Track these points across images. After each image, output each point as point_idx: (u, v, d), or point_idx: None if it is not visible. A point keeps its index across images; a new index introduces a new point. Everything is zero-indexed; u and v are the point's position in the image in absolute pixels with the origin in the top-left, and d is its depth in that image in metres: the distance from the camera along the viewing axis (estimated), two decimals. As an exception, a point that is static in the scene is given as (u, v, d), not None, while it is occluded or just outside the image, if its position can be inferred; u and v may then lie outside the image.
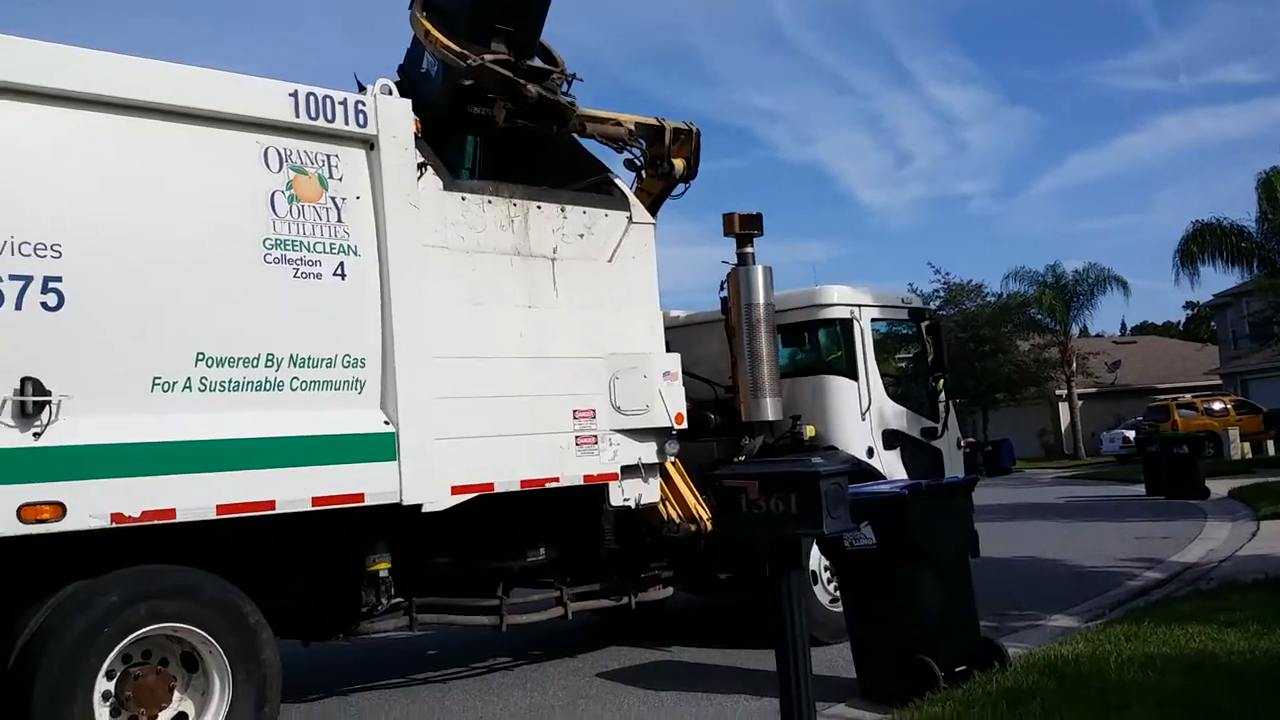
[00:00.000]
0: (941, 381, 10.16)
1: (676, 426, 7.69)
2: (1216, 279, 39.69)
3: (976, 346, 43.41)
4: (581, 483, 7.21)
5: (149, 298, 5.43)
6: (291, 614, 6.88)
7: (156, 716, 5.34)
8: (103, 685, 5.14)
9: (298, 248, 5.94)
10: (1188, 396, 39.63)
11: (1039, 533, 16.45)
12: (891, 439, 9.55)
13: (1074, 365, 44.38)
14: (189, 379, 5.50)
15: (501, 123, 7.67)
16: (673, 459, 7.80)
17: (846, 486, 4.59)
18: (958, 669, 6.61)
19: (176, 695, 5.42)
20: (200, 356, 5.54)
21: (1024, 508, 21.41)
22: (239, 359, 5.66)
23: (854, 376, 9.43)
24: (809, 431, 9.15)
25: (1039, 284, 43.94)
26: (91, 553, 5.21)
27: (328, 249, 6.08)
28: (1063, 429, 47.48)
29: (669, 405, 7.60)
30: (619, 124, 8.37)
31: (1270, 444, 31.98)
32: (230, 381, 5.64)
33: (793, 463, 4.95)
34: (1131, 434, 35.78)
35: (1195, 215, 41.80)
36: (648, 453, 7.61)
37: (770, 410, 8.90)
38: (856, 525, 4.83)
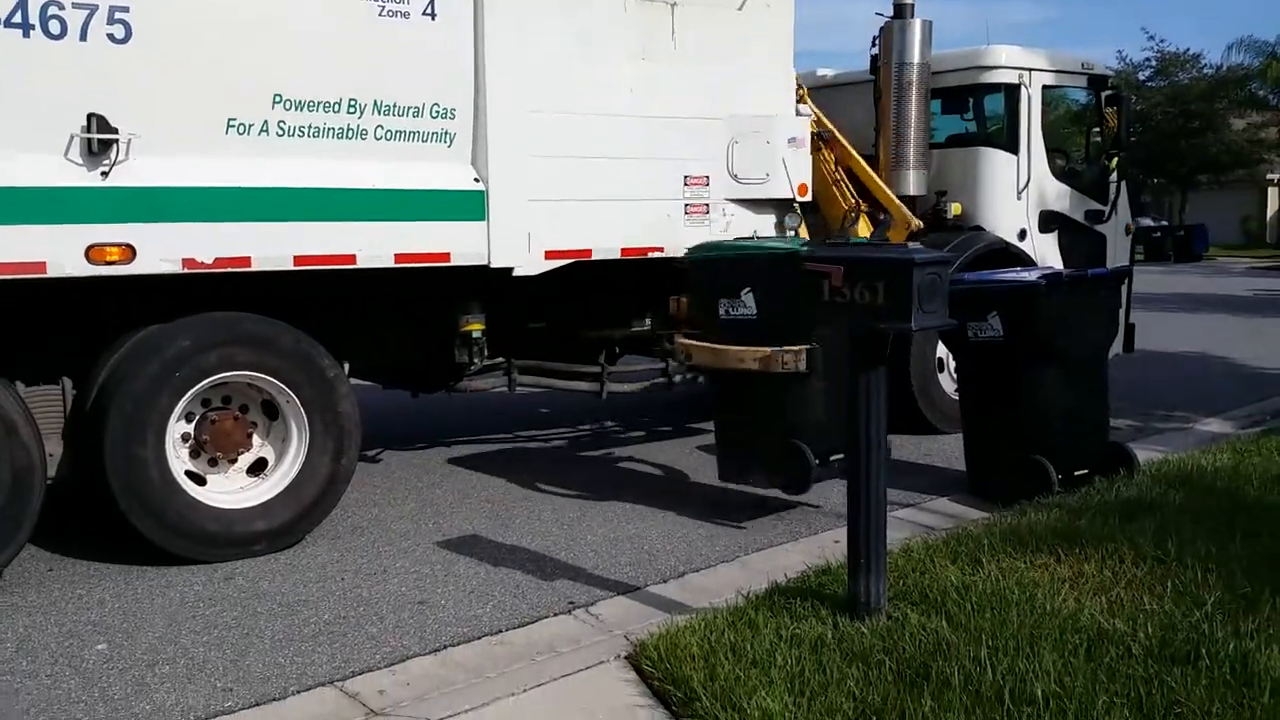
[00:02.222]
0: (1116, 160, 9.17)
1: (799, 198, 7.10)
2: None
3: (1185, 123, 39.98)
4: None
5: (222, 33, 5.02)
6: (391, 368, 6.98)
7: (236, 460, 5.38)
8: (180, 428, 5.21)
9: (383, -18, 5.43)
10: None
11: (1215, 327, 15.35)
12: (1049, 221, 8.74)
13: (1291, 146, 40.56)
14: (265, 122, 5.17)
15: None
16: (793, 232, 7.27)
17: (946, 277, 4.04)
18: (1078, 473, 6.16)
19: (256, 440, 5.46)
20: (278, 99, 5.18)
21: (1207, 299, 20.03)
22: (319, 103, 5.30)
23: (1014, 150, 8.57)
24: (954, 209, 8.51)
25: (1266, 55, 39.69)
26: (170, 300, 5.15)
27: (416, -16, 5.54)
28: (1269, 216, 43.93)
29: (792, 174, 6.96)
30: None
31: None
32: (310, 127, 5.28)
33: (885, 249, 4.40)
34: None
35: None
36: (765, 225, 7.04)
37: (913, 184, 8.33)
38: (955, 321, 4.28)
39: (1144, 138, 36.81)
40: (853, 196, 7.97)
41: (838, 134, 8.09)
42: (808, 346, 5.46)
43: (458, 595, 4.83)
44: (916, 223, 8.02)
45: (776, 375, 5.52)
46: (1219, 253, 35.97)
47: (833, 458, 5.66)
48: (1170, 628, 3.82)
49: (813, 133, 7.58)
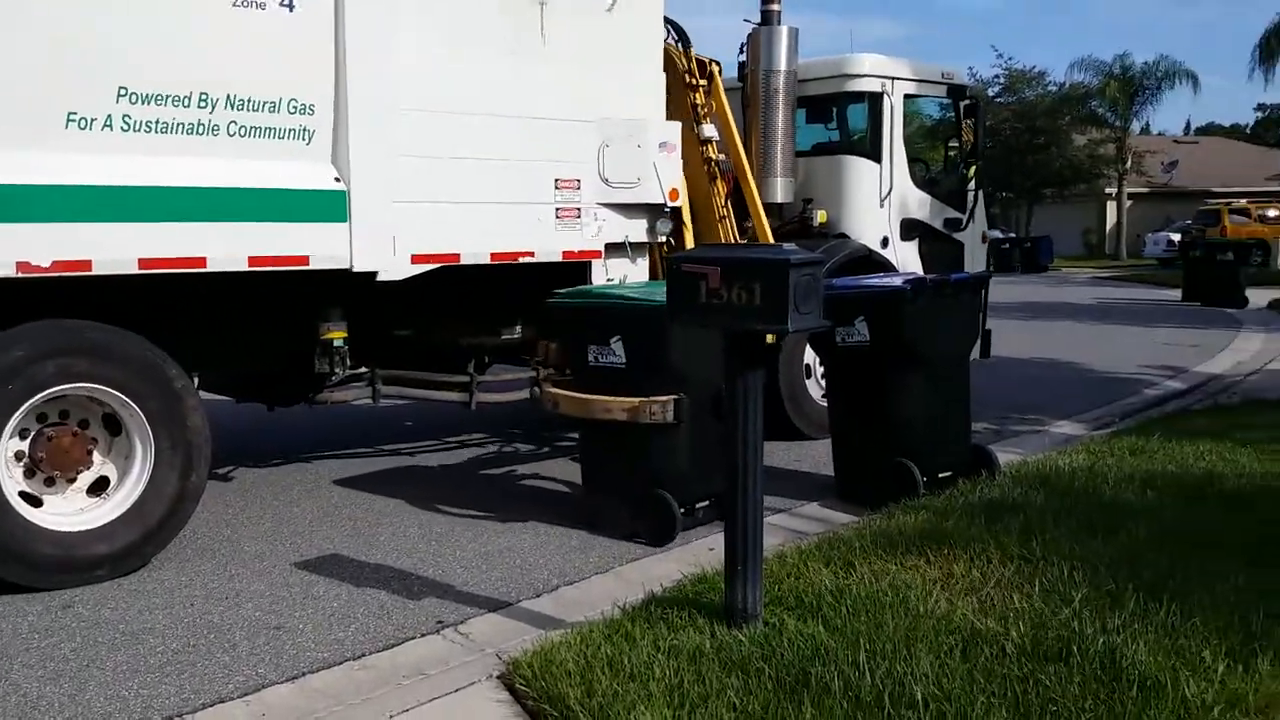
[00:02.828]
0: (974, 169, 9.40)
1: (670, 203, 7.06)
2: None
3: (1030, 138, 41.75)
4: (560, 259, 6.64)
5: (61, 22, 4.72)
6: (246, 380, 6.65)
7: (75, 479, 5.04)
8: (14, 445, 4.83)
9: (238, -30, 5.19)
10: (1242, 202, 37.97)
11: (1062, 333, 15.96)
12: (911, 229, 8.91)
13: (1129, 163, 42.75)
14: (109, 116, 4.85)
15: None
16: (664, 239, 7.24)
17: (821, 279, 4.02)
18: (943, 475, 6.25)
19: (97, 458, 5.11)
20: (123, 92, 4.88)
21: (1053, 307, 20.86)
22: (168, 97, 4.99)
23: (877, 158, 8.70)
24: (819, 217, 8.59)
25: (1105, 75, 41.86)
26: (3, 307, 4.77)
27: (272, -27, 5.30)
28: (1107, 229, 46.21)
29: (663, 179, 6.92)
30: None
31: (1323, 256, 30.78)
32: (158, 122, 4.98)
33: (762, 249, 4.36)
34: (1176, 237, 34.60)
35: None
36: (636, 230, 7.01)
37: (780, 191, 8.41)
38: (828, 323, 4.27)
39: (992, 152, 38.27)
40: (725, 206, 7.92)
41: (737, 139, 8.02)
42: (676, 397, 5.40)
43: (317, 618, 4.58)
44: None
45: (644, 425, 5.45)
46: (1063, 263, 37.59)
47: (698, 506, 5.69)
48: (1041, 626, 3.86)
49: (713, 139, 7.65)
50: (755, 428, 4.00)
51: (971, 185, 9.41)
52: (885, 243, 8.71)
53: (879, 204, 8.70)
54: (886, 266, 8.47)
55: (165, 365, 5.14)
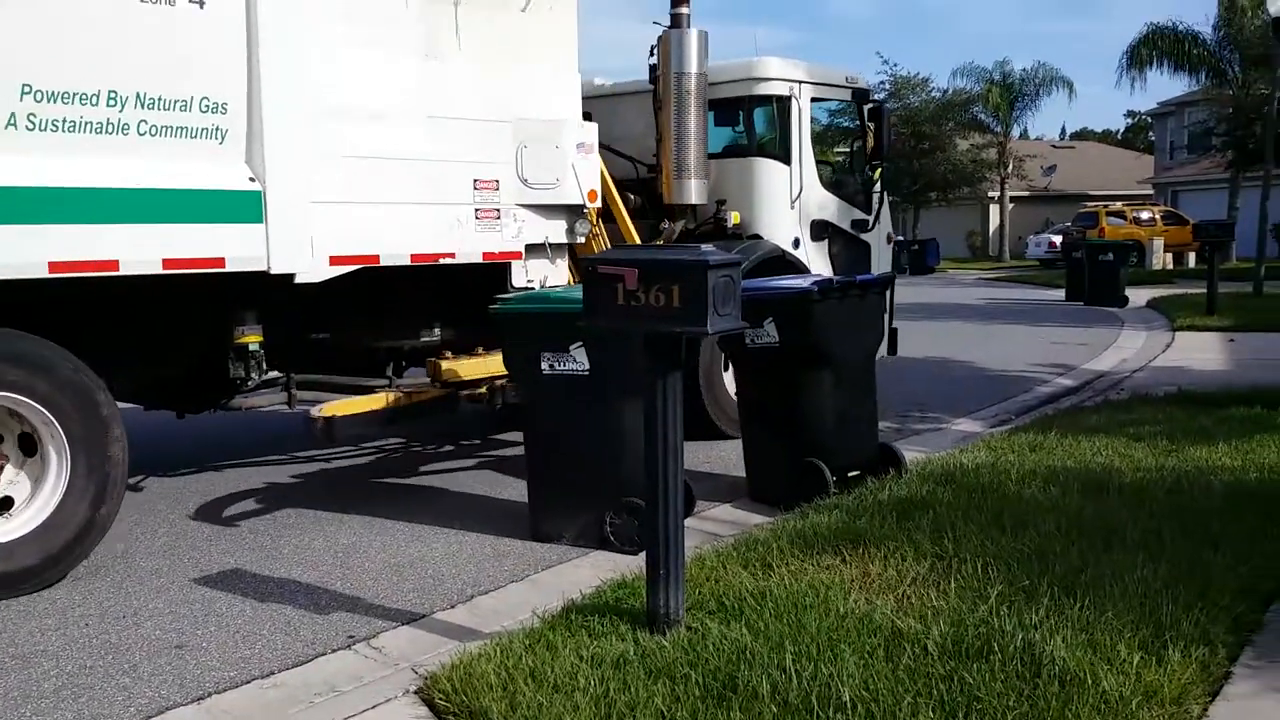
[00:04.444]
0: (879, 172, 9.59)
1: (589, 204, 7.09)
2: (1163, 86, 39.29)
3: (916, 144, 42.71)
4: (480, 260, 6.58)
5: None
6: (156, 386, 6.51)
7: None
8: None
9: (147, -36, 5.04)
10: (1118, 204, 39.49)
11: (954, 333, 16.34)
12: (820, 230, 9.06)
13: (1010, 167, 44.10)
14: (13, 115, 4.69)
15: None
16: (584, 239, 7.20)
17: (739, 280, 4.00)
18: (852, 474, 6.31)
19: (6, 476, 4.96)
20: (27, 89, 4.73)
21: (943, 307, 21.38)
22: (75, 95, 4.85)
23: (786, 160, 8.83)
24: (734, 218, 8.67)
25: (986, 81, 43.13)
26: None
27: (180, -35, 5.17)
28: (991, 231, 47.60)
29: (582, 180, 6.95)
30: None
31: (1193, 256, 32.12)
32: (65, 121, 4.83)
33: (679, 250, 4.31)
34: (1058, 239, 35.77)
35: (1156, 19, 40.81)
36: (556, 231, 7.02)
37: (694, 193, 8.38)
38: (747, 324, 4.25)
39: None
40: (607, 244, 7.73)
41: (608, 177, 7.88)
42: None
43: (221, 636, 4.39)
44: None
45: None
46: (949, 265, 38.56)
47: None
48: (960, 624, 3.89)
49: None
50: (675, 431, 3.97)
51: (877, 187, 9.58)
52: (797, 243, 8.84)
53: (790, 205, 8.82)
54: (799, 267, 8.59)
55: (96, 389, 5.01)
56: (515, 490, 6.43)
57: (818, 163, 9.13)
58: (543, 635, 3.97)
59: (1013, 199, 45.53)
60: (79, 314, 5.28)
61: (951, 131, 44.05)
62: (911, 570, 4.58)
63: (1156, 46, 32.83)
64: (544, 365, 5.53)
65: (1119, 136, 73.46)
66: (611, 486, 5.44)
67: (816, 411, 6.23)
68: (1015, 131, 46.66)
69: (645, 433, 4.03)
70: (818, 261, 8.97)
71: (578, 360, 5.45)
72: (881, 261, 9.52)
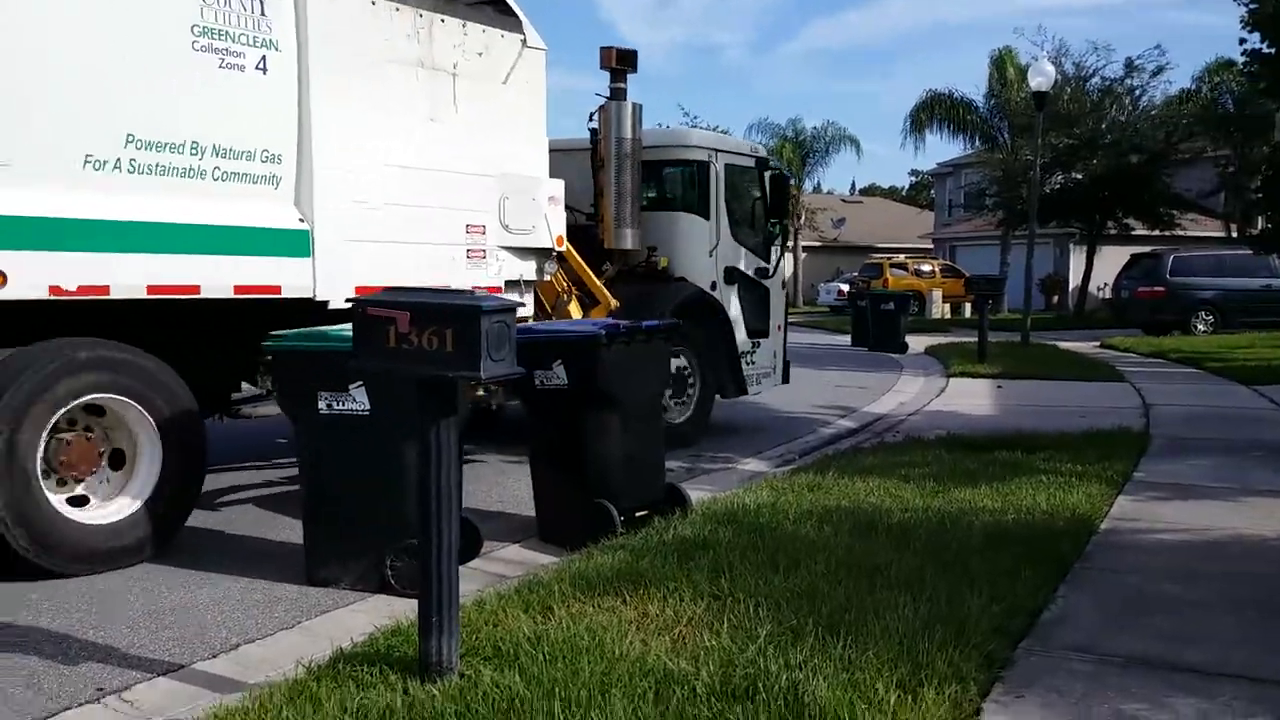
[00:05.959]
0: (777, 226, 11.30)
1: (557, 248, 8.30)
2: (942, 148, 41.90)
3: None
4: None
5: (79, 77, 5.47)
6: (213, 395, 6.99)
7: (83, 479, 5.65)
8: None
9: (223, 37, 6.08)
10: (901, 257, 41.81)
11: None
12: (731, 275, 10.47)
13: (802, 219, 45.91)
14: (119, 160, 5.63)
15: None
16: (549, 277, 8.40)
17: (513, 325, 3.96)
18: (639, 514, 6.37)
19: (105, 464, 5.74)
20: (130, 138, 5.68)
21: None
22: (166, 144, 5.83)
23: (706, 215, 10.24)
24: (663, 262, 9.98)
25: (780, 137, 44.84)
26: (30, 327, 5.40)
27: (250, 41, 6.22)
28: (784, 279, 49.32)
29: (552, 227, 8.19)
30: None
31: (968, 307, 34.19)
32: (158, 165, 5.80)
33: (451, 295, 4.26)
34: (845, 287, 37.45)
35: (935, 86, 43.44)
36: (529, 270, 8.18)
37: (630, 240, 9.72)
38: (522, 370, 4.21)
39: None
40: (565, 281, 9.00)
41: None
42: None
43: (-49, 692, 4.04)
44: (614, 303, 9.15)
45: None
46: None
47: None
48: (729, 664, 3.95)
49: None
50: (450, 475, 3.89)
51: (777, 241, 11.26)
52: (714, 286, 10.25)
53: (709, 253, 10.25)
54: (718, 305, 10.20)
55: (178, 386, 5.94)
56: (293, 531, 6.19)
57: (730, 218, 10.49)
58: (306, 686, 3.81)
59: (805, 249, 47.37)
60: (154, 330, 6.05)
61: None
62: (688, 610, 4.63)
63: (935, 111, 35.02)
64: (321, 405, 5.38)
65: (904, 193, 77.71)
66: (392, 528, 5.31)
67: (604, 452, 6.28)
68: (809, 185, 48.68)
69: (419, 475, 3.94)
70: (732, 301, 10.45)
71: (358, 400, 5.32)
72: (778, 302, 11.28)
